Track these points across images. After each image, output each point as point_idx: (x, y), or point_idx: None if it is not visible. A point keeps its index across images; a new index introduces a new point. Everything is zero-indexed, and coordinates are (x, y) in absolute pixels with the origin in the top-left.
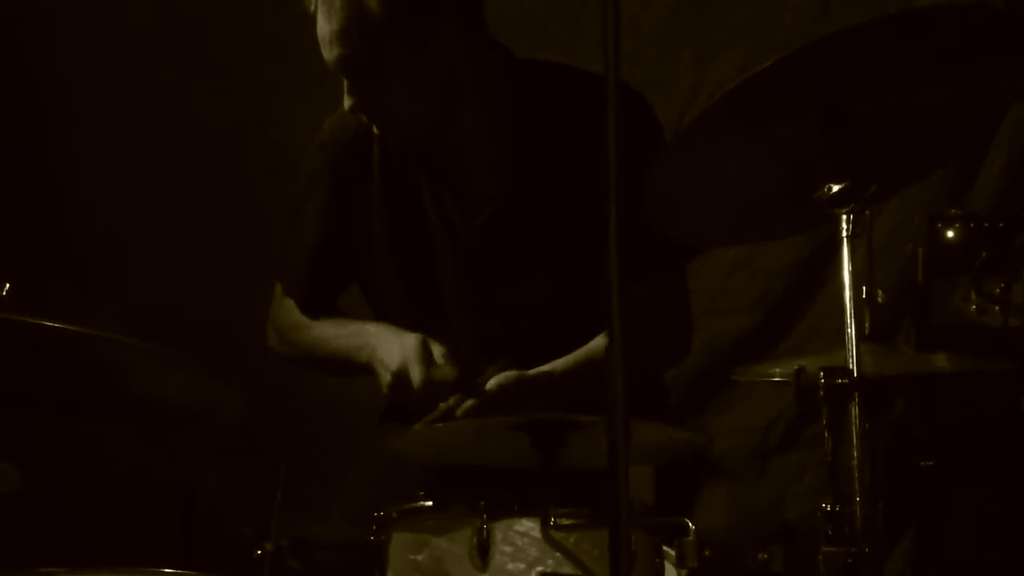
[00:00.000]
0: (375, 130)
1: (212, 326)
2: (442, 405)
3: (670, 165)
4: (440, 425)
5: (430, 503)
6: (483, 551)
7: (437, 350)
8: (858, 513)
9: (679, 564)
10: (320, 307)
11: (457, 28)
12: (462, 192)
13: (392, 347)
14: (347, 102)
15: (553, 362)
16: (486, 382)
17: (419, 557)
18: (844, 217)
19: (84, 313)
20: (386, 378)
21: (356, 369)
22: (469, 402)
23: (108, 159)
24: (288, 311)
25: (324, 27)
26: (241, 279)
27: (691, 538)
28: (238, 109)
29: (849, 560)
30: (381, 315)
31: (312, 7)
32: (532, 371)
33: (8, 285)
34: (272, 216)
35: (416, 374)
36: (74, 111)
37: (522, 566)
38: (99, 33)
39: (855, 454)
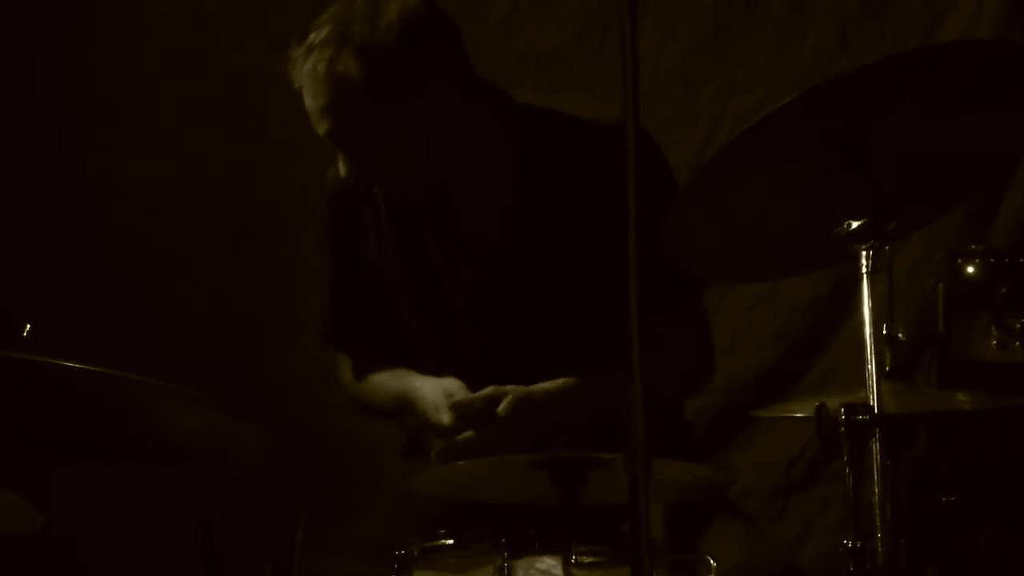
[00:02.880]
0: (376, 191)
1: (233, 366)
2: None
3: (690, 201)
4: (460, 463)
5: (451, 541)
6: None
7: (462, 391)
8: (880, 549)
9: None
10: (362, 349)
11: (442, 84)
12: (465, 240)
13: (426, 402)
14: (343, 170)
15: (553, 382)
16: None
17: None
18: (864, 253)
19: (106, 354)
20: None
21: (408, 419)
22: (467, 433)
23: (130, 200)
24: (343, 367)
25: (310, 103)
26: (261, 320)
27: None
28: (260, 152)
29: None
30: (409, 354)
31: (298, 84)
32: (535, 388)
33: (29, 326)
34: (292, 259)
35: (445, 417)
36: (97, 154)
37: None
38: (122, 79)
39: (876, 490)
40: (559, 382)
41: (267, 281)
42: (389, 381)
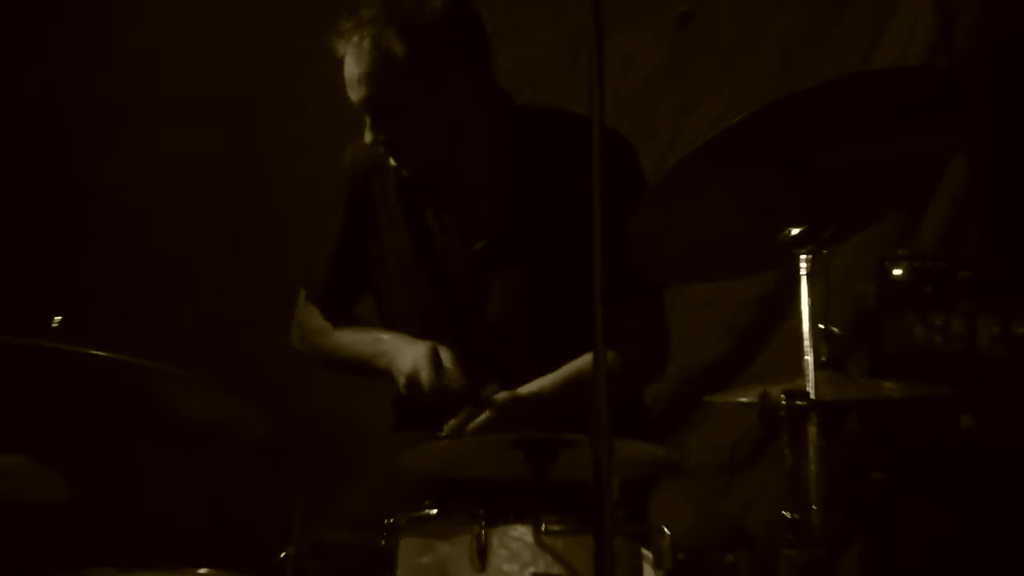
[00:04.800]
0: (391, 161)
1: (239, 354)
2: (452, 421)
3: (650, 209)
4: (446, 442)
5: (435, 511)
6: (482, 554)
7: (446, 355)
8: (815, 521)
9: (656, 565)
10: (338, 312)
11: (467, 72)
12: (463, 221)
13: (406, 354)
14: (368, 136)
15: (541, 380)
16: (490, 396)
17: (425, 559)
18: (803, 257)
19: (122, 343)
20: (401, 380)
21: (374, 373)
22: (482, 418)
23: (144, 199)
24: (311, 316)
25: (352, 70)
26: (264, 312)
27: (666, 543)
28: (262, 149)
29: (807, 561)
30: (390, 324)
31: (341, 51)
32: (524, 389)
33: (59, 318)
34: (290, 253)
35: (425, 377)
36: (111, 158)
37: (516, 567)
38: (131, 81)
39: (813, 468)
40: (541, 384)
41: (270, 276)
42: (362, 336)
